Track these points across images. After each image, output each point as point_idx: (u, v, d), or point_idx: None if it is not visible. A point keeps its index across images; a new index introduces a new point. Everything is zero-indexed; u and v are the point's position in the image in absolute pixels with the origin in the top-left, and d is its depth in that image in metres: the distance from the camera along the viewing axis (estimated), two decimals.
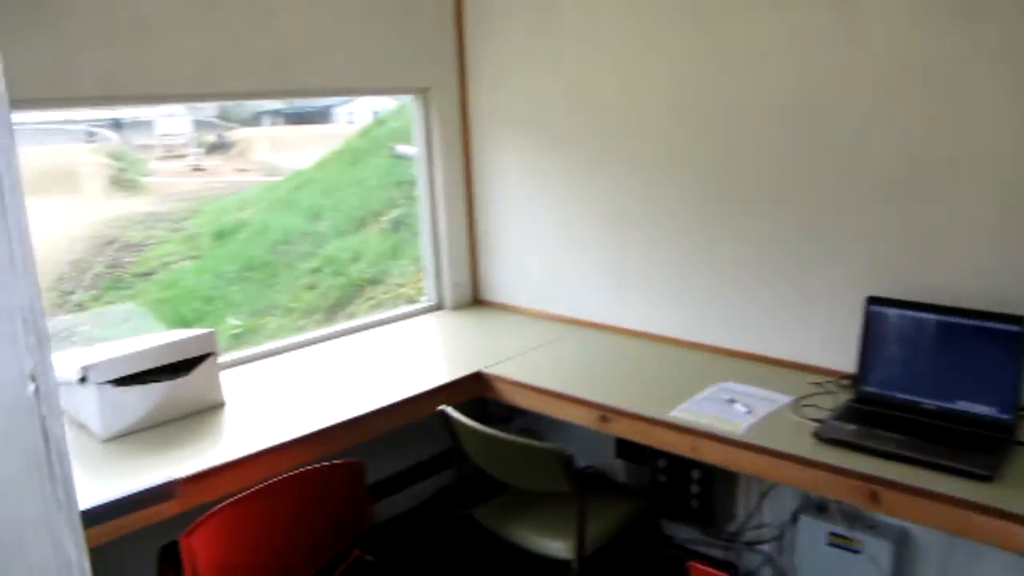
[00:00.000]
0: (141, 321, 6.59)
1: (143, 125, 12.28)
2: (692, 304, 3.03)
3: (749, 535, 3.08)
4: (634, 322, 3.19)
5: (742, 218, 2.82)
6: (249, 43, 2.85)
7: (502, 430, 2.35)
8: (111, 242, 8.90)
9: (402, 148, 5.15)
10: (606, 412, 2.57)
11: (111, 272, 7.98)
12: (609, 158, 3.11)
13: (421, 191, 3.51)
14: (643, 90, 2.96)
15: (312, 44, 3.00)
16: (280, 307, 6.60)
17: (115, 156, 11.43)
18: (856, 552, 2.67)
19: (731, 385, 2.62)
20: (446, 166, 3.48)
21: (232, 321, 6.41)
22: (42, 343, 0.60)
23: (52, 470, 0.57)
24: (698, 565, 1.79)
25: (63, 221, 9.24)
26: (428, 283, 3.53)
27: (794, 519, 2.95)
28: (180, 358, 2.56)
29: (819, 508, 2.89)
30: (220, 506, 1.97)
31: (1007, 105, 2.25)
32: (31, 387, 0.60)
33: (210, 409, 2.57)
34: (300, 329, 6.18)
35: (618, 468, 3.21)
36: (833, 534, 2.76)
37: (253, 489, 2.02)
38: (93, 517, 1.94)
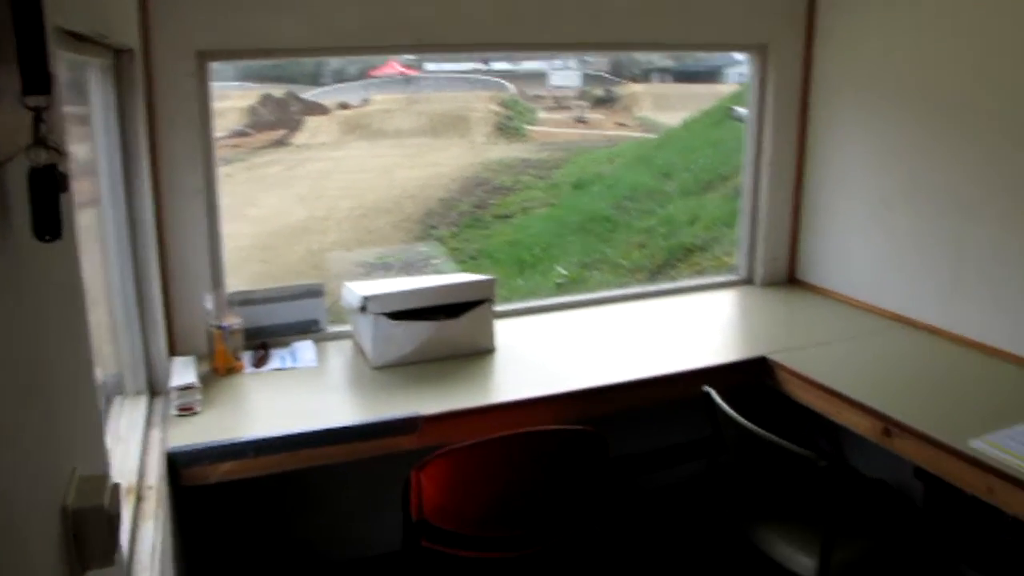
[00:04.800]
0: (484, 260, 7.04)
1: (538, 77, 12.97)
2: None
3: None
4: (966, 328, 2.62)
5: None
6: None
7: (778, 428, 2.07)
8: (481, 184, 9.60)
9: (741, 110, 4.80)
10: (890, 425, 2.15)
11: (474, 212, 8.62)
12: (969, 135, 2.56)
13: (746, 156, 3.22)
14: None
15: None
16: (608, 262, 6.62)
17: (506, 104, 12.25)
18: None
19: None
20: (777, 131, 3.13)
21: (560, 270, 6.58)
22: None
23: None
24: None
25: (447, 162, 10.15)
26: (740, 254, 3.25)
27: None
28: (455, 301, 2.60)
29: None
30: (446, 449, 1.97)
31: None
32: None
33: (479, 354, 2.58)
34: (620, 287, 6.21)
35: (916, 489, 2.71)
36: None
37: (481, 440, 1.99)
38: (345, 435, 2.05)
